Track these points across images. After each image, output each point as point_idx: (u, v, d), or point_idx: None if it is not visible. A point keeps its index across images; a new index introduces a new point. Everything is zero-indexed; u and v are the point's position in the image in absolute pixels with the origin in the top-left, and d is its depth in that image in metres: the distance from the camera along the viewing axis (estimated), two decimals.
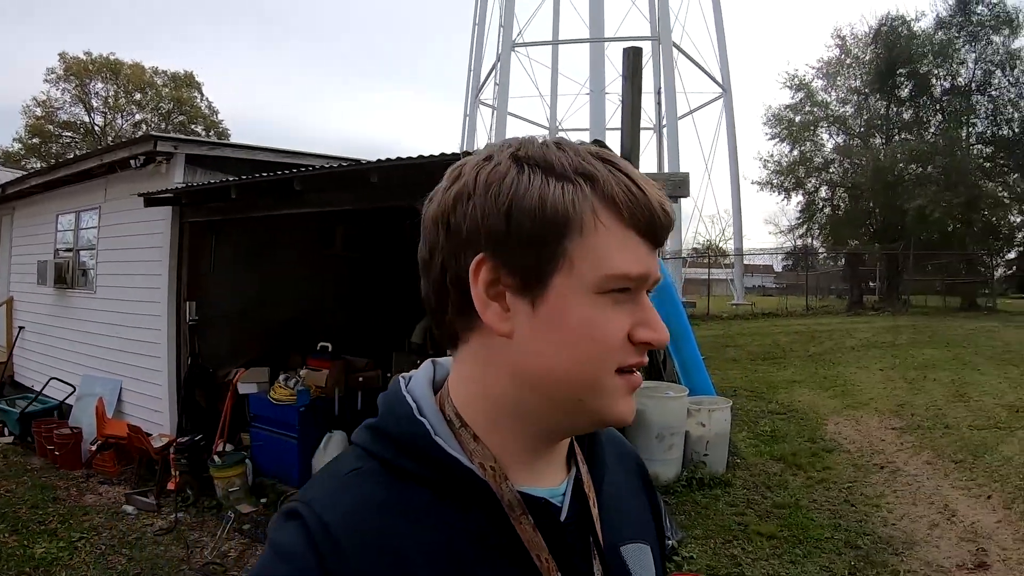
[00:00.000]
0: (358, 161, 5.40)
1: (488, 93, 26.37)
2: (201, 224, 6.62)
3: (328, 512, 0.67)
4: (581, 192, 0.67)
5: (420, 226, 0.76)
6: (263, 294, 7.23)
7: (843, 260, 27.42)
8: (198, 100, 42.57)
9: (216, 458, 5.96)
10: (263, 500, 5.89)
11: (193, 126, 41.81)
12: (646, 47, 24.01)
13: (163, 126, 40.82)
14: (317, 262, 7.80)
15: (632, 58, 5.69)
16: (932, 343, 14.01)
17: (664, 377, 7.31)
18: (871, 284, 26.22)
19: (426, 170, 5.12)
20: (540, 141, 0.72)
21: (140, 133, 40.25)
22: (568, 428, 0.76)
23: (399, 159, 4.91)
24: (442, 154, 4.78)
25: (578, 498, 0.79)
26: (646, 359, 0.72)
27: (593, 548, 0.77)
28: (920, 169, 23.21)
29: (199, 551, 5.07)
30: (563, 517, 0.76)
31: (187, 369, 6.64)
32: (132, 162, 6.78)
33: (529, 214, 0.66)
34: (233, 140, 42.43)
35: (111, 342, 7.53)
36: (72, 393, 7.68)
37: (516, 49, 24.83)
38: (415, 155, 4.90)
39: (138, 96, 40.83)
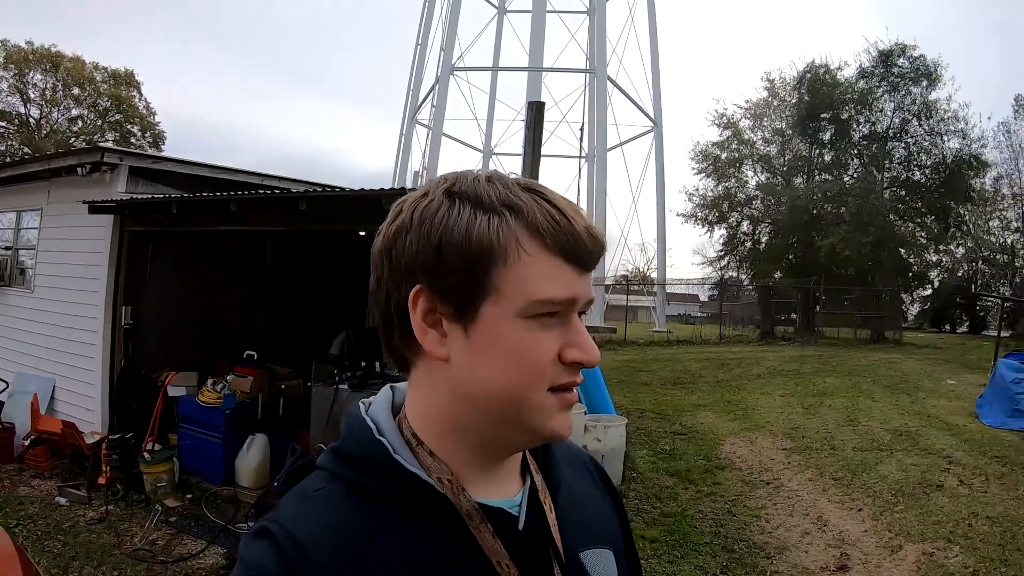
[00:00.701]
0: (289, 190, 5.87)
1: (425, 113, 26.78)
2: (140, 233, 6.94)
3: (297, 529, 0.71)
4: (506, 223, 0.72)
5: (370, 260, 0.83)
6: (195, 303, 7.59)
7: (756, 292, 28.59)
8: (136, 100, 41.82)
9: (146, 455, 6.28)
10: (189, 496, 6.24)
11: (129, 126, 41.10)
12: (582, 78, 24.81)
13: (99, 123, 40.07)
14: (247, 275, 8.18)
15: (535, 111, 6.22)
16: (835, 372, 14.76)
17: None
18: (792, 315, 27.28)
19: (350, 200, 5.69)
20: (473, 176, 0.77)
21: (76, 128, 39.64)
22: (510, 443, 0.81)
23: (325, 190, 5.46)
24: (362, 189, 5.36)
25: (535, 507, 0.84)
26: (579, 378, 0.77)
27: (552, 555, 0.82)
28: (835, 209, 24.42)
29: (129, 539, 5.42)
30: (520, 526, 0.81)
31: (120, 371, 6.93)
32: (79, 169, 7.07)
33: (456, 247, 0.71)
34: (170, 142, 41.98)
35: (46, 341, 7.75)
36: (4, 390, 7.84)
37: (455, 73, 25.30)
38: (340, 186, 5.43)
39: (76, 91, 39.81)
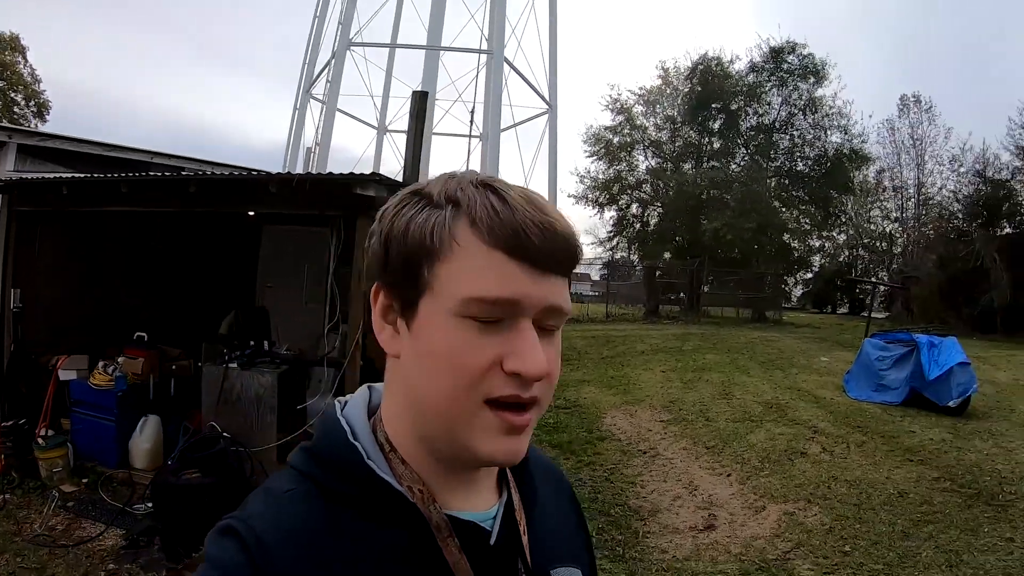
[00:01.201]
0: (181, 169, 5.79)
1: (320, 88, 26.25)
2: (29, 214, 6.65)
3: (263, 528, 0.69)
4: (443, 217, 0.69)
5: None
6: (85, 285, 7.27)
7: (642, 272, 29.43)
8: (21, 66, 39.35)
9: (40, 441, 6.07)
10: (85, 480, 6.06)
11: (13, 94, 38.65)
12: (480, 59, 24.86)
13: None
14: (136, 256, 7.92)
15: (419, 100, 6.29)
16: (715, 349, 15.36)
17: None
18: (681, 295, 28.20)
19: (239, 183, 5.67)
20: (445, 176, 0.75)
21: None
22: (456, 459, 0.76)
23: (215, 174, 5.37)
24: (251, 172, 5.38)
25: (508, 522, 0.82)
26: (525, 393, 0.70)
27: (522, 572, 0.79)
28: (721, 195, 25.42)
29: (28, 526, 5.27)
30: (493, 541, 0.78)
31: (9, 356, 6.65)
32: None
33: (397, 243, 0.71)
34: (55, 112, 39.85)
35: None
36: None
37: (353, 48, 24.94)
38: (231, 164, 5.38)
39: None
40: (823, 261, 36.95)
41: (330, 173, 5.55)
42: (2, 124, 6.84)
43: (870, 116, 47.13)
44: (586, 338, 17.44)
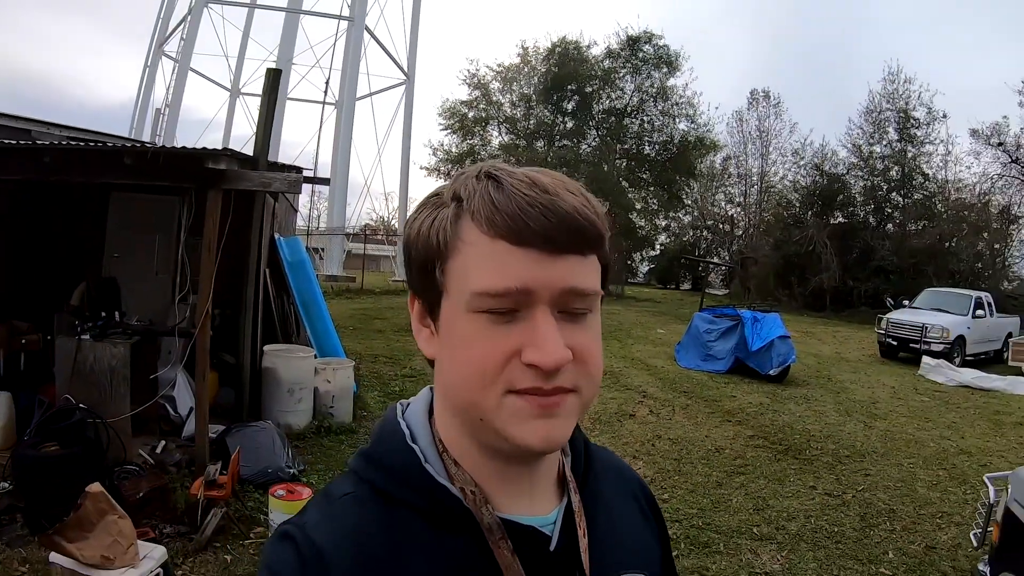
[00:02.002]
0: (30, 131, 5.48)
1: (173, 46, 25.06)
2: None
3: (319, 535, 0.69)
4: (447, 215, 0.68)
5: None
6: None
7: None
8: None
9: None
10: None
11: None
12: (340, 25, 24.42)
13: None
14: None
15: (272, 78, 6.32)
16: None
17: (296, 341, 7.92)
18: None
19: (93, 154, 5.47)
20: (464, 172, 0.72)
21: None
22: (500, 451, 0.72)
23: (71, 145, 5.23)
24: (105, 144, 5.15)
25: (569, 527, 0.78)
26: (550, 385, 0.67)
27: None
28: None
29: None
30: (552, 546, 0.75)
31: None
32: None
33: (411, 247, 0.71)
34: None
35: None
36: None
37: (210, 5, 23.97)
38: (79, 139, 5.17)
39: None
40: (668, 240, 39.00)
41: (184, 147, 5.48)
42: None
43: (716, 107, 50.12)
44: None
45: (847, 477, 6.37)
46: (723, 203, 37.89)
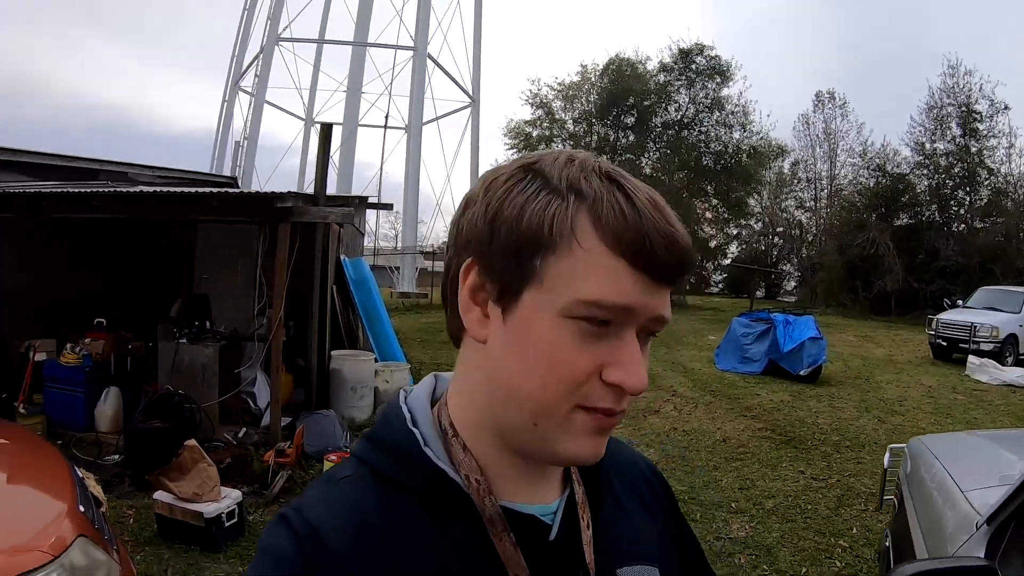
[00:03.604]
0: (127, 173, 6.79)
1: (249, 81, 26.80)
2: None
3: (317, 517, 0.68)
4: (564, 209, 0.64)
5: None
6: (47, 278, 8.28)
7: None
8: None
9: (22, 409, 7.02)
10: (59, 442, 6.96)
11: None
12: (405, 56, 25.74)
13: None
14: (91, 251, 8.91)
15: (325, 132, 7.58)
16: None
17: (360, 347, 9.12)
18: None
19: (184, 198, 6.92)
20: (556, 154, 0.70)
21: None
22: (532, 454, 0.71)
23: (171, 192, 6.80)
24: (196, 192, 6.59)
25: (571, 518, 0.77)
26: (620, 405, 0.66)
27: (585, 570, 0.75)
28: None
29: None
30: (553, 536, 0.74)
31: None
32: None
33: (507, 224, 0.65)
34: None
35: None
36: None
37: (281, 43, 25.56)
38: (171, 176, 6.41)
39: None
40: (740, 249, 39.10)
41: (257, 192, 6.91)
42: None
43: (767, 115, 49.64)
44: None
45: (838, 465, 6.97)
46: (793, 208, 37.80)
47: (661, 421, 8.37)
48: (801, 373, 11.08)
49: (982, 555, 2.21)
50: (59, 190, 7.19)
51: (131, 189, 7.71)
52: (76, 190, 7.16)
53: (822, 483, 6.42)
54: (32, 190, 7.21)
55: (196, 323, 7.74)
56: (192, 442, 5.23)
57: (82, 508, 2.92)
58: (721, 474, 6.57)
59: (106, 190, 7.26)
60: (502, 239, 0.65)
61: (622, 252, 0.62)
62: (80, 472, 3.55)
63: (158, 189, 7.61)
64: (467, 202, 0.72)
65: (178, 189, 7.67)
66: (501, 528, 0.70)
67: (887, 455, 4.23)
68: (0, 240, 7.70)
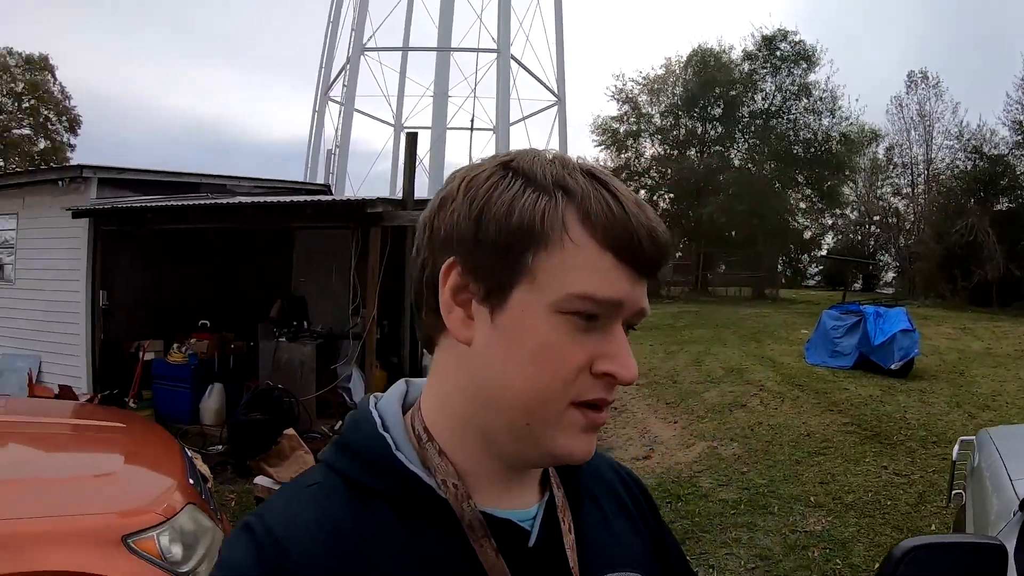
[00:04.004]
0: (224, 185, 7.52)
1: (337, 91, 27.64)
2: (111, 231, 8.39)
3: (281, 527, 0.66)
4: (553, 204, 0.65)
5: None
6: (155, 284, 9.17)
7: None
8: (51, 84, 41.33)
9: (132, 404, 7.83)
10: None
11: (45, 111, 40.77)
12: (489, 57, 26.18)
13: (13, 109, 39.74)
14: (195, 259, 9.76)
15: (411, 140, 8.18)
16: (705, 325, 16.82)
17: None
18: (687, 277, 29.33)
19: (282, 206, 7.55)
20: (534, 153, 0.71)
21: None
22: (520, 457, 0.72)
23: (267, 202, 7.53)
24: (292, 201, 7.34)
25: (551, 523, 0.76)
26: (611, 396, 0.69)
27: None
28: (718, 179, 26.75)
29: None
30: (531, 542, 0.73)
31: (100, 343, 8.40)
32: (59, 183, 8.51)
33: (496, 221, 0.65)
34: (85, 126, 42.02)
35: (29, 325, 9.04)
36: None
37: (366, 52, 26.31)
38: (267, 187, 7.08)
39: None
40: (836, 239, 38.07)
41: (348, 199, 7.48)
42: (87, 164, 8.50)
43: (856, 99, 47.42)
44: None
45: (923, 460, 6.97)
46: (889, 196, 36.57)
47: (747, 415, 8.58)
48: (892, 367, 10.96)
49: (1014, 541, 2.20)
50: (163, 203, 7.96)
51: (230, 200, 8.53)
52: (179, 203, 7.95)
53: (904, 479, 6.46)
54: (138, 204, 7.98)
55: (294, 323, 8.51)
56: (291, 431, 5.94)
57: (191, 481, 3.50)
58: (803, 468, 6.75)
59: (206, 202, 8.04)
60: (490, 236, 0.65)
61: (610, 246, 0.65)
62: (189, 452, 4.21)
63: (255, 199, 8.41)
64: (442, 201, 0.71)
65: (274, 199, 8.39)
66: (481, 534, 0.70)
67: (956, 447, 4.14)
68: (111, 251, 8.51)
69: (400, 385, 0.83)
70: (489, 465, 0.73)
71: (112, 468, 3.45)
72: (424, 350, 0.80)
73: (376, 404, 0.79)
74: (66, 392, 7.81)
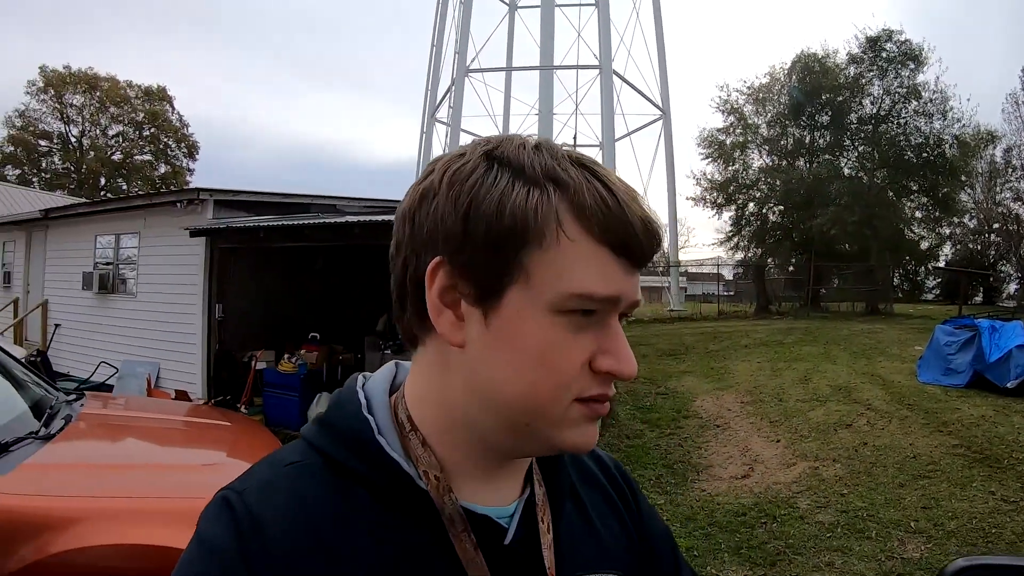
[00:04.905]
0: (335, 205, 8.10)
1: (443, 112, 28.34)
2: (226, 248, 9.16)
3: (260, 505, 0.66)
4: (546, 199, 0.64)
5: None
6: (267, 299, 9.91)
7: (751, 270, 30.17)
8: (169, 113, 44.45)
9: (244, 410, 8.49)
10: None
11: (165, 139, 43.76)
12: (591, 74, 26.44)
13: (136, 138, 42.76)
14: (306, 275, 10.46)
15: None
16: (814, 342, 16.50)
17: None
18: (799, 292, 28.63)
19: (389, 224, 8.11)
20: (519, 141, 0.69)
21: (115, 144, 42.52)
22: (518, 451, 0.73)
23: (373, 221, 8.04)
24: (392, 207, 7.63)
25: (529, 520, 0.76)
26: (611, 390, 0.68)
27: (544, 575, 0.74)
28: (828, 189, 26.04)
29: None
30: (508, 539, 0.73)
31: (215, 352, 9.14)
32: (178, 204, 9.33)
33: (486, 219, 0.63)
34: (203, 150, 44.91)
35: (150, 335, 10.02)
36: (115, 374, 9.98)
37: (470, 74, 26.96)
38: (372, 206, 7.58)
39: (113, 110, 42.67)
40: (953, 250, 36.22)
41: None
42: (203, 187, 9.31)
43: (968, 99, 43.78)
44: (696, 335, 18.79)
45: None
46: (1009, 201, 34.21)
47: (851, 436, 8.54)
48: (1008, 385, 10.55)
49: None
50: (274, 223, 8.61)
51: (337, 219, 9.14)
52: (289, 222, 8.57)
53: (1012, 506, 6.28)
54: (251, 224, 8.65)
55: (399, 336, 8.94)
56: None
57: None
58: (906, 492, 6.71)
59: (315, 221, 8.65)
60: (480, 235, 0.63)
61: (606, 241, 0.64)
62: None
63: (361, 218, 8.98)
64: (423, 193, 0.69)
65: (379, 217, 8.90)
66: (461, 528, 0.69)
67: None
68: (226, 267, 9.24)
69: (389, 367, 0.85)
70: (473, 459, 0.73)
71: (217, 460, 3.96)
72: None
73: (363, 385, 0.80)
74: (182, 396, 8.53)
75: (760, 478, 7.34)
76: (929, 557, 5.29)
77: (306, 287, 10.64)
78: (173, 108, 44.76)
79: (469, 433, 0.71)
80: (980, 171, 30.33)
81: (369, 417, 0.73)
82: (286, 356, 8.92)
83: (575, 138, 26.56)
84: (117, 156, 43.10)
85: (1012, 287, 34.83)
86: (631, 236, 0.65)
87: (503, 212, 0.63)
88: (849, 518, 6.09)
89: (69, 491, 3.03)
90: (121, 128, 43.49)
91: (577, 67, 26.80)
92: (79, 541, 2.77)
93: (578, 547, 0.79)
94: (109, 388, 9.82)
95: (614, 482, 0.93)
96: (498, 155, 0.67)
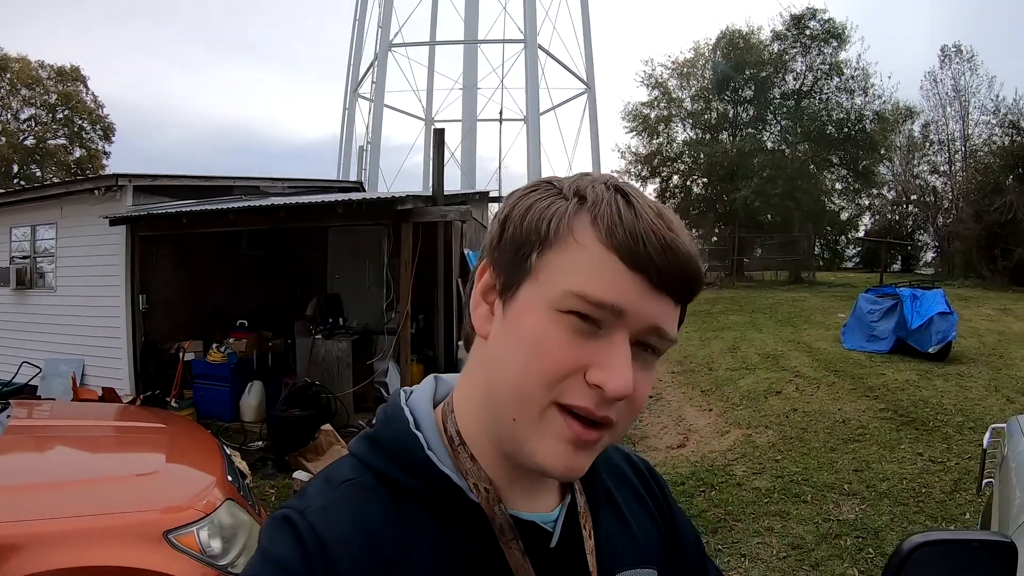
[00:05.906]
0: (258, 187, 7.78)
1: (367, 87, 27.78)
2: (147, 236, 8.65)
3: (322, 524, 0.68)
4: (567, 208, 0.67)
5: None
6: (193, 286, 9.47)
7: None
8: (84, 94, 42.15)
9: (174, 404, 8.08)
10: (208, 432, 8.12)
11: (80, 121, 41.63)
12: (516, 48, 26.18)
13: (48, 120, 40.65)
14: (231, 260, 10.04)
15: (438, 136, 8.25)
16: (740, 311, 16.78)
17: None
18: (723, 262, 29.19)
19: (316, 206, 7.74)
20: (577, 175, 0.73)
21: (26, 128, 40.32)
22: (512, 455, 0.72)
23: (299, 203, 7.73)
24: (323, 202, 7.53)
25: (571, 525, 0.79)
26: (599, 411, 0.66)
27: None
28: (750, 162, 26.53)
29: None
30: (553, 543, 0.76)
31: (141, 345, 8.68)
32: (95, 192, 8.77)
33: (513, 223, 0.69)
34: (120, 133, 42.94)
35: (71, 330, 9.38)
36: (38, 374, 9.36)
37: (394, 49, 26.43)
38: (300, 186, 7.24)
39: (25, 92, 39.97)
40: (872, 220, 37.51)
41: (378, 196, 7.66)
42: (122, 173, 8.77)
43: (889, 77, 45.83)
44: None
45: (959, 447, 6.93)
46: (927, 174, 35.74)
47: (782, 402, 8.62)
48: (930, 351, 10.86)
49: None
50: (196, 208, 8.22)
51: (262, 202, 8.79)
52: (212, 207, 8.19)
53: (940, 466, 6.44)
54: (172, 210, 8.23)
55: (330, 320, 8.80)
56: (327, 426, 6.19)
57: (230, 478, 3.74)
58: (837, 455, 6.78)
59: (239, 205, 8.28)
60: (508, 237, 0.70)
61: (614, 247, 0.65)
62: (228, 450, 4.48)
63: (287, 200, 8.65)
64: (495, 214, 0.75)
65: (305, 199, 8.60)
66: (511, 537, 0.72)
67: (987, 435, 4.00)
68: (148, 256, 8.80)
69: (430, 381, 0.85)
70: (510, 470, 0.75)
71: (154, 467, 3.68)
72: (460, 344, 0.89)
73: (407, 400, 0.81)
74: (109, 394, 8.09)
75: (696, 447, 7.32)
76: (864, 518, 5.37)
77: (233, 273, 10.18)
78: (87, 88, 42.32)
79: (494, 436, 0.74)
80: (899, 145, 31.32)
81: (418, 433, 0.75)
82: (215, 345, 8.52)
83: (501, 112, 26.25)
84: (30, 141, 40.43)
85: (929, 255, 36.19)
86: (640, 246, 0.65)
87: (526, 216, 0.69)
88: (785, 483, 6.10)
89: (3, 516, 2.82)
90: (33, 111, 40.74)
91: (503, 41, 26.40)
92: (20, 570, 2.61)
93: (616, 547, 0.83)
94: (33, 389, 9.26)
95: (645, 483, 0.96)
96: (551, 180, 0.73)
